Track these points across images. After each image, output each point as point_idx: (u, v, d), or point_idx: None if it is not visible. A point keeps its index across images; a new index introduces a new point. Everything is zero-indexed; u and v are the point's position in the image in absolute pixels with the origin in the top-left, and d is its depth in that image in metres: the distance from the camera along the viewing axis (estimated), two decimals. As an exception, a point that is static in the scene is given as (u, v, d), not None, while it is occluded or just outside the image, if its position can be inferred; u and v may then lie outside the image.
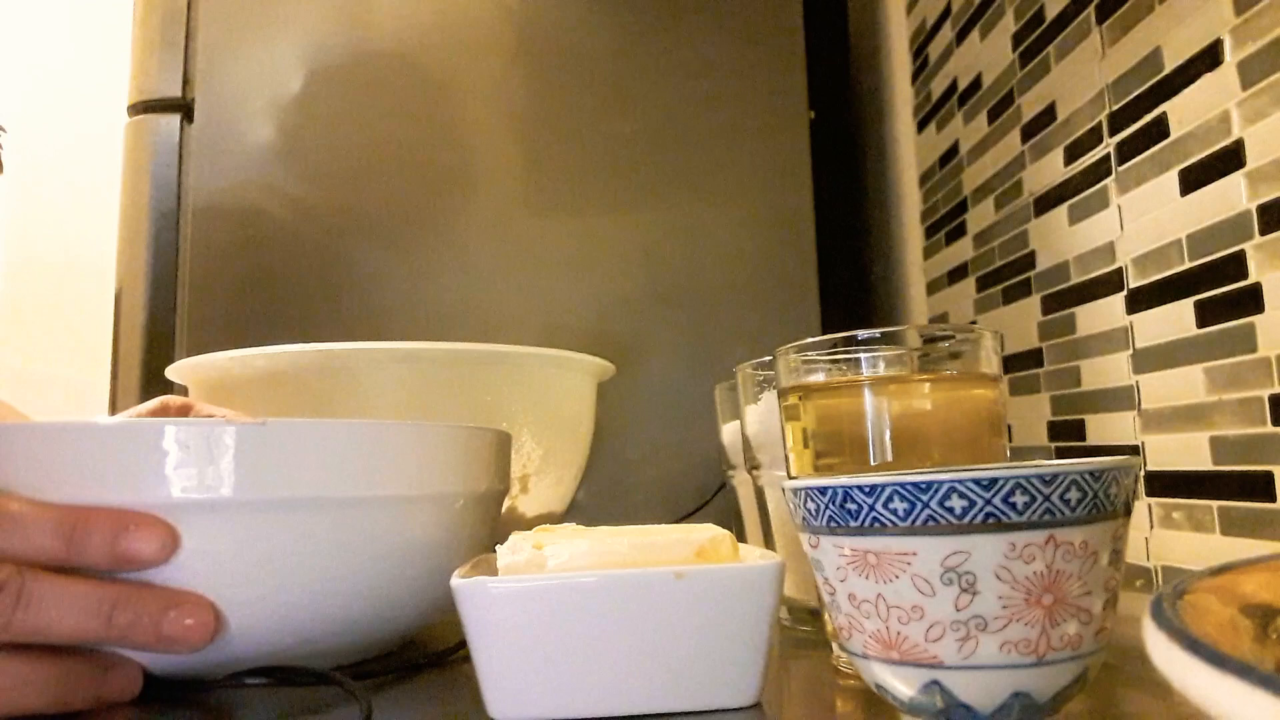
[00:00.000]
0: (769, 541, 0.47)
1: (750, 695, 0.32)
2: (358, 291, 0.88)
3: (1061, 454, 0.66)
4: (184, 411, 0.44)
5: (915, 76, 0.94)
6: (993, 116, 0.76)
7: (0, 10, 1.51)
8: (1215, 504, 0.50)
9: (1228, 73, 0.48)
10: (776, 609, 0.32)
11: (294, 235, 0.88)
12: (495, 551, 0.34)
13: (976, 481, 0.24)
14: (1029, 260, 0.70)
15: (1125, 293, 0.58)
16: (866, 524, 0.26)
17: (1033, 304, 0.70)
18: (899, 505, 0.25)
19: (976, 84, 0.79)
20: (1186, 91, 0.52)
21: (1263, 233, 0.46)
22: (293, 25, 0.92)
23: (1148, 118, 0.55)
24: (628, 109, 0.92)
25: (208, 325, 0.86)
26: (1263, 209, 0.46)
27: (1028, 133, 0.70)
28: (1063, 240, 0.65)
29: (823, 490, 0.27)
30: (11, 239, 1.47)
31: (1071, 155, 0.64)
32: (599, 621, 0.31)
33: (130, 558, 0.32)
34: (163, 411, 0.43)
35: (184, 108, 0.90)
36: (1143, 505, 0.56)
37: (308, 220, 0.89)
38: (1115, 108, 0.59)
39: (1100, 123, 0.60)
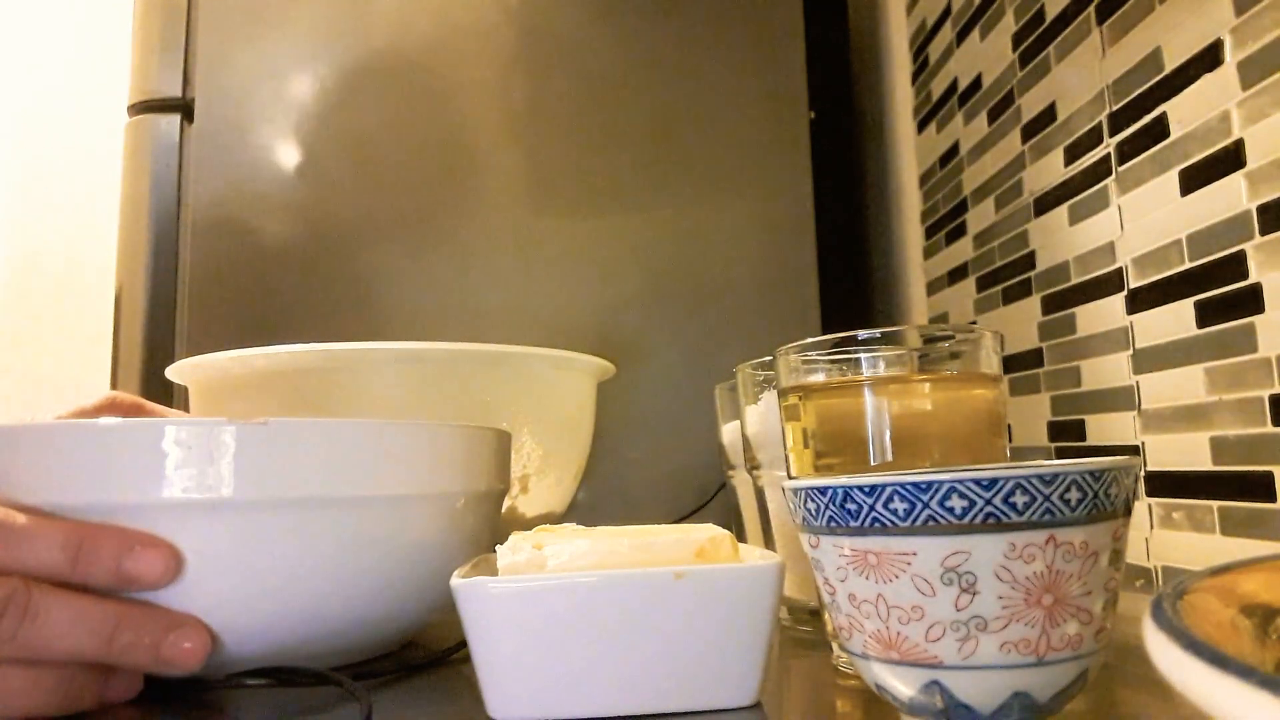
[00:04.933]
0: (769, 541, 0.47)
1: (750, 695, 0.32)
2: (358, 291, 0.87)
3: (1061, 454, 0.66)
4: (135, 409, 0.43)
5: (915, 76, 0.94)
6: (993, 116, 0.76)
7: (0, 10, 1.51)
8: (1215, 504, 0.50)
9: (1228, 73, 0.48)
10: (776, 609, 0.32)
11: (294, 235, 0.88)
12: (495, 551, 0.34)
13: (976, 481, 0.24)
14: (1029, 260, 0.70)
15: (1125, 293, 0.58)
16: (866, 524, 0.26)
17: (1033, 304, 0.70)
18: (899, 505, 0.25)
19: (976, 84, 0.79)
20: (1186, 91, 0.52)
21: (1263, 233, 0.46)
22: (293, 25, 0.92)
23: (1148, 118, 0.55)
24: (628, 109, 0.92)
25: (208, 325, 0.86)
26: (1263, 209, 0.46)
27: (1028, 133, 0.70)
28: (1063, 240, 0.65)
29: (823, 490, 0.27)
30: (12, 239, 1.47)
31: (1071, 155, 0.64)
32: (599, 621, 0.31)
33: (134, 579, 0.32)
34: (111, 408, 0.42)
35: (184, 108, 0.90)
36: (1143, 505, 0.56)
37: (308, 220, 0.88)
38: (1115, 108, 0.59)
39: (1100, 123, 0.60)
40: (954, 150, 0.84)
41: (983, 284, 0.79)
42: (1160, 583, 0.55)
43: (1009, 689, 0.25)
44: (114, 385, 0.87)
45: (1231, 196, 0.48)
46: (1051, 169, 0.67)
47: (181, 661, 0.33)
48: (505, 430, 0.46)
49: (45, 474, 0.33)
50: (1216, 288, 0.49)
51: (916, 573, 0.25)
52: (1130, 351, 0.57)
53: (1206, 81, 0.50)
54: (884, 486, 0.26)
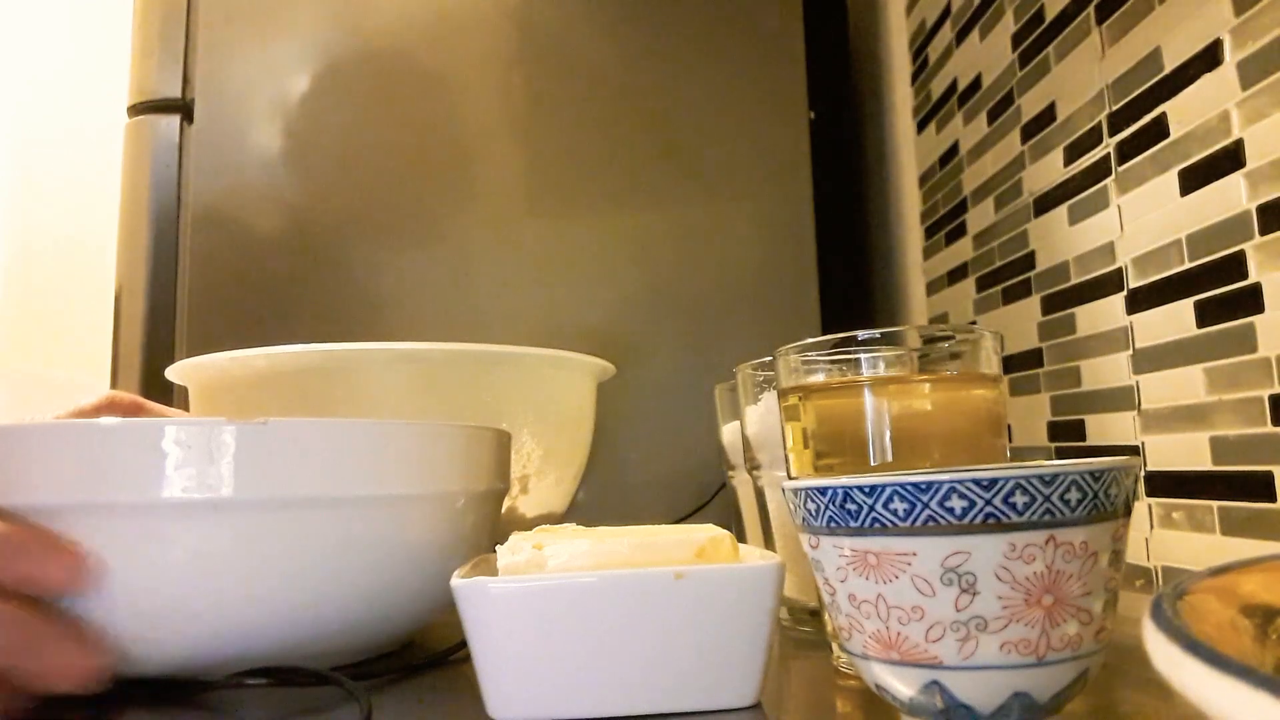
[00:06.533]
0: (769, 541, 0.47)
1: (750, 695, 0.32)
2: (358, 291, 0.88)
3: (1061, 454, 0.66)
4: (134, 409, 0.42)
5: (915, 77, 0.94)
6: (993, 116, 0.76)
7: (0, 10, 1.51)
8: (1215, 504, 0.50)
9: (1228, 73, 0.48)
10: (776, 609, 0.32)
11: (294, 235, 0.88)
12: (495, 551, 0.34)
13: (976, 482, 0.24)
14: (1029, 260, 0.70)
15: (1125, 293, 0.58)
16: (866, 524, 0.26)
17: (1033, 304, 0.70)
18: (899, 505, 0.25)
19: (976, 84, 0.79)
20: (1186, 91, 0.52)
21: (1263, 233, 0.46)
22: (293, 25, 0.92)
23: (1148, 118, 0.55)
24: (627, 110, 0.92)
25: (208, 325, 0.86)
26: (1263, 209, 0.46)
27: (1028, 133, 0.70)
28: (1063, 240, 0.65)
29: (823, 490, 0.27)
30: (11, 239, 1.47)
31: (1071, 155, 0.64)
32: (599, 621, 0.31)
33: (33, 581, 0.31)
34: (111, 408, 0.41)
35: (184, 108, 0.90)
36: (1143, 505, 0.56)
37: (308, 220, 0.88)
38: (1115, 108, 0.59)
39: (1100, 123, 0.60)
40: (954, 150, 0.84)
41: (983, 284, 0.79)
42: (1160, 583, 0.55)
43: (1009, 689, 0.25)
44: (114, 385, 0.87)
45: (1231, 196, 0.48)
46: (1051, 169, 0.67)
47: (66, 676, 0.31)
48: (505, 430, 0.46)
49: (45, 474, 0.33)
50: (1216, 288, 0.49)
51: (916, 573, 0.25)
52: (1130, 351, 0.57)
53: (1206, 81, 0.50)
54: (884, 486, 0.26)
